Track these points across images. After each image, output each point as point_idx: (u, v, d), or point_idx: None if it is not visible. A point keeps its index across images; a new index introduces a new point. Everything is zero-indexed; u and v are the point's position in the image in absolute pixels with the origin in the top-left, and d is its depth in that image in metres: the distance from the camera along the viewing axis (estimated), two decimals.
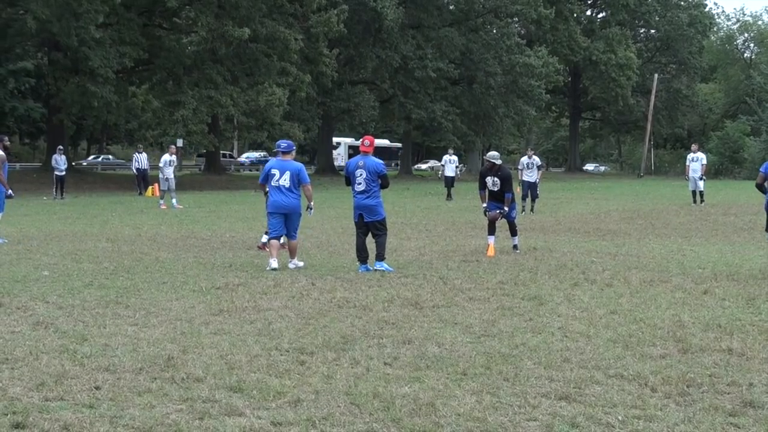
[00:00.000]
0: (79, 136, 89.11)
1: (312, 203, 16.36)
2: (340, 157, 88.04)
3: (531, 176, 30.89)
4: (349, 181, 15.87)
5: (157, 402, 7.26)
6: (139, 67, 57.30)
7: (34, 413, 6.89)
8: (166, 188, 33.81)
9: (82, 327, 10.22)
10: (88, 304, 11.80)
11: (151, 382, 7.83)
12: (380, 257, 15.53)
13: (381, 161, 16.07)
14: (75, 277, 14.44)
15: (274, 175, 15.69)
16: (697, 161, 34.45)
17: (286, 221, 15.75)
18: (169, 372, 8.17)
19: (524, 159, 31.85)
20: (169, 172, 33.71)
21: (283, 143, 16.21)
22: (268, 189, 16.00)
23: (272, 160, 16.29)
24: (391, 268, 15.35)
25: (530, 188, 30.98)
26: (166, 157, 34.67)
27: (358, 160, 15.77)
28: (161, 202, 33.51)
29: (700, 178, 34.25)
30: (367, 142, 16.04)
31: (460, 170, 41.71)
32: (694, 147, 36.17)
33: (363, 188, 15.53)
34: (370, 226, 15.73)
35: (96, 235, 21.96)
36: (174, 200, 33.25)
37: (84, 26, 46.22)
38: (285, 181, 15.58)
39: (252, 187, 51.55)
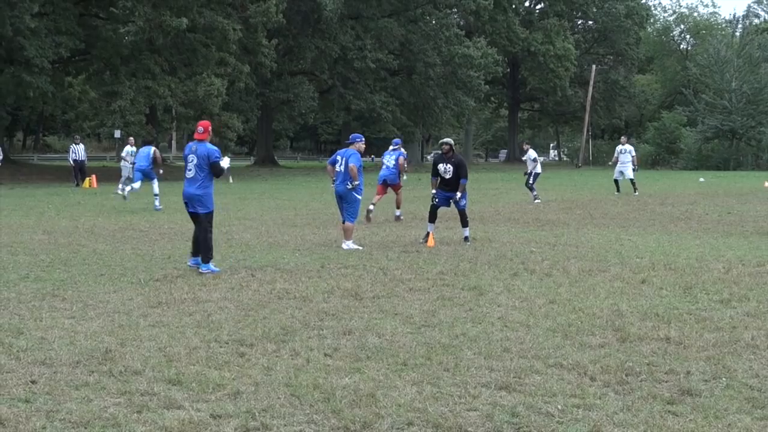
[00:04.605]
0: (14, 127, 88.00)
1: (355, 182, 17.12)
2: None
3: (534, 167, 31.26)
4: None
5: (94, 395, 7.19)
6: (75, 57, 56.65)
7: None
8: (127, 175, 34.72)
9: (18, 320, 10.10)
10: (24, 297, 11.67)
11: (88, 376, 7.75)
12: (205, 259, 14.07)
13: (216, 148, 14.36)
14: (11, 269, 14.26)
15: (337, 161, 17.36)
16: (626, 153, 35.40)
17: (341, 204, 17.39)
18: (106, 365, 8.09)
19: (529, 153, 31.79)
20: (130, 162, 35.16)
21: (351, 135, 17.94)
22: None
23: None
24: (217, 269, 14.02)
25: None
26: (128, 148, 37.06)
27: (191, 145, 14.46)
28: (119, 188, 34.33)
29: (635, 169, 35.47)
30: (200, 128, 14.40)
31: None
32: (623, 139, 37.17)
33: (192, 175, 14.20)
34: (195, 218, 14.43)
35: (32, 227, 21.69)
36: (128, 188, 33.39)
37: (19, 15, 45.58)
38: (341, 167, 17.20)
39: None
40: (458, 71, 72.08)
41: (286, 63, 70.46)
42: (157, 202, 28.08)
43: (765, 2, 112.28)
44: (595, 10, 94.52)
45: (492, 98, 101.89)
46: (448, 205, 18.46)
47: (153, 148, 29.06)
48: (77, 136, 47.89)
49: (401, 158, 24.11)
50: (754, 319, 10.23)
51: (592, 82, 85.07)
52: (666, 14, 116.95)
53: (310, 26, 67.46)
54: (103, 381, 7.60)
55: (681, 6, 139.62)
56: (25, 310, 10.71)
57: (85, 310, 10.79)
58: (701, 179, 49.31)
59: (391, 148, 24.61)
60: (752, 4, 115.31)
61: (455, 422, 6.57)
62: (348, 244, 17.18)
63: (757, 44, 79.33)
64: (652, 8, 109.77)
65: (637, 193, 34.51)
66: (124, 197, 30.32)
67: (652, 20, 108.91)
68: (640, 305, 11.06)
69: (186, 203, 14.44)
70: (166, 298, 11.51)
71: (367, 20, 70.71)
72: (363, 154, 17.64)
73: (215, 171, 14.14)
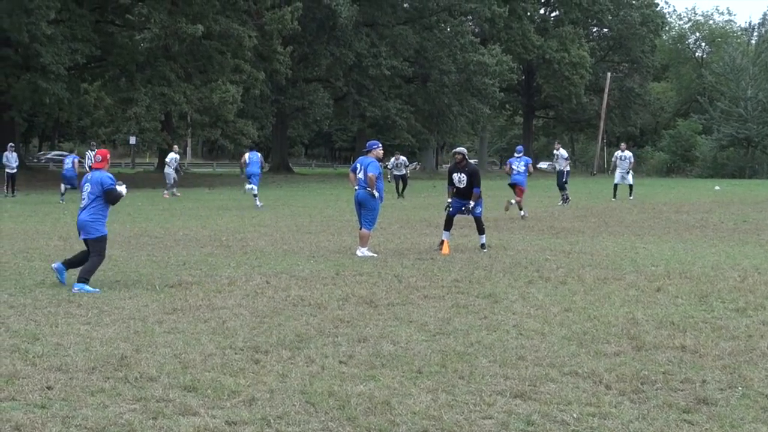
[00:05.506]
0: (30, 134, 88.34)
1: (374, 191, 17.41)
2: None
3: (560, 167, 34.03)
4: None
5: (110, 402, 7.20)
6: (91, 63, 56.88)
7: None
8: (172, 182, 39.91)
9: (34, 326, 10.12)
10: (39, 302, 11.70)
11: (104, 382, 7.76)
12: (81, 279, 13.09)
13: (109, 175, 13.69)
14: (26, 275, 14.31)
15: (357, 168, 17.75)
16: (625, 160, 36.75)
17: (360, 210, 17.71)
18: (122, 371, 8.10)
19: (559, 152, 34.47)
20: (174, 169, 40.09)
21: (368, 143, 18.37)
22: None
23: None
24: (96, 290, 12.92)
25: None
26: (172, 155, 41.39)
27: (87, 175, 13.99)
28: (165, 192, 39.71)
29: (627, 172, 36.68)
30: (99, 157, 14.00)
31: (411, 168, 42.58)
32: (622, 146, 38.51)
33: (84, 203, 13.57)
34: (87, 244, 13.64)
35: (48, 232, 21.76)
36: (174, 190, 39.71)
37: (35, 22, 45.79)
38: (361, 174, 17.53)
39: (206, 185, 51.30)
40: (473, 78, 72.10)
41: (301, 70, 70.57)
42: (258, 202, 31.94)
43: None
44: (610, 17, 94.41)
45: (507, 106, 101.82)
46: (463, 212, 18.55)
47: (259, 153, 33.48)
48: (93, 143, 48.12)
49: (529, 165, 27.89)
50: None
51: (607, 90, 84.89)
52: (681, 22, 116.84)
53: (325, 33, 67.58)
54: (119, 387, 7.61)
55: (696, 14, 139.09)
56: (41, 316, 10.73)
57: (100, 316, 10.81)
58: (717, 187, 49.16)
59: (515, 155, 27.99)
60: None
61: (470, 430, 6.56)
62: (363, 251, 17.20)
63: None
64: (668, 16, 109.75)
65: (632, 197, 36.00)
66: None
67: (667, 28, 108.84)
68: (655, 314, 11.03)
69: (79, 230, 13.70)
70: (181, 305, 11.52)
71: (382, 27, 70.78)
72: (380, 161, 17.76)
73: (109, 198, 13.53)
